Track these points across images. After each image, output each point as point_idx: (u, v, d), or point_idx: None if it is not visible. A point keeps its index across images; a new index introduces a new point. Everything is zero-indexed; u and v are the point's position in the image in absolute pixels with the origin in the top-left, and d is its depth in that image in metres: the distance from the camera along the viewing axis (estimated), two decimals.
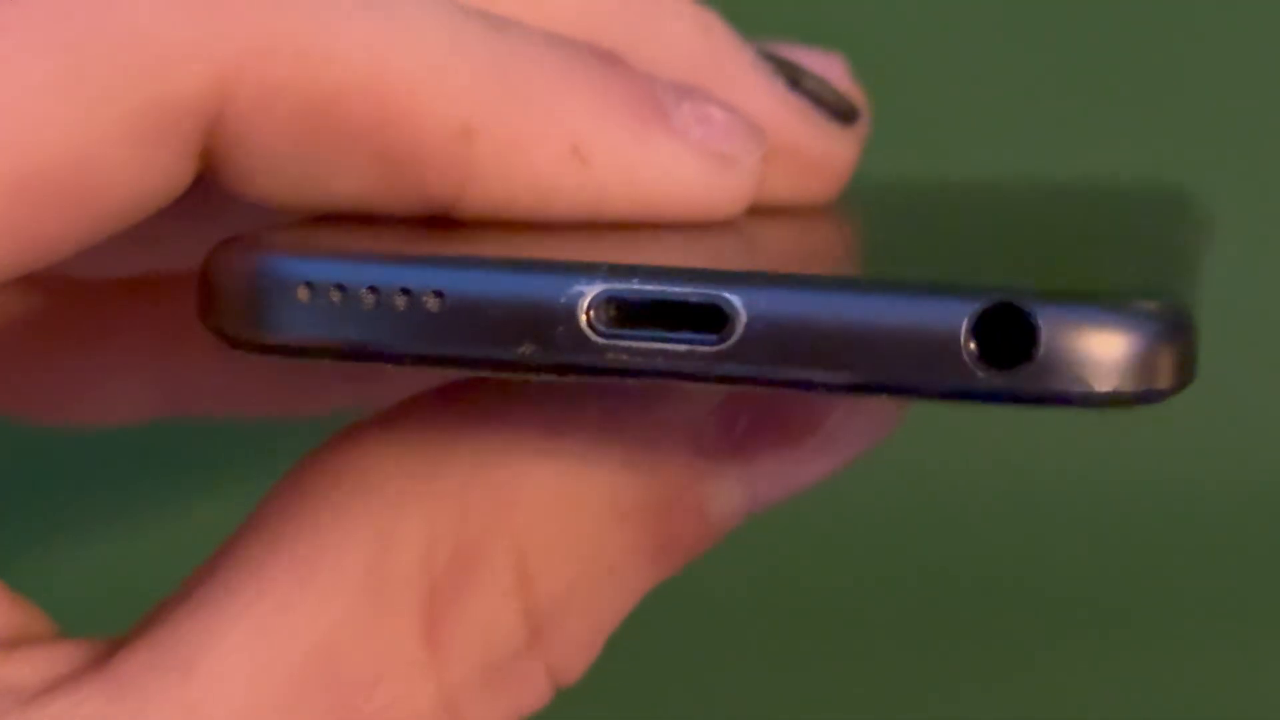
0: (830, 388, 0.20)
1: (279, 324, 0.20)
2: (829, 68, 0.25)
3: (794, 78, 0.25)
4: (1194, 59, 0.46)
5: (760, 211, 0.24)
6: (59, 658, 0.21)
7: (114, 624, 0.22)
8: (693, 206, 0.23)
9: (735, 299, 0.20)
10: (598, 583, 0.22)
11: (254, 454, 0.42)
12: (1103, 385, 0.19)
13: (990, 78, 0.46)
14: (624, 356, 0.20)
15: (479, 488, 0.22)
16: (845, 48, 0.26)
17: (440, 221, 0.22)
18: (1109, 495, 0.45)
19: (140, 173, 0.21)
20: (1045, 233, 0.27)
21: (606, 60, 0.23)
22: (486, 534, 0.22)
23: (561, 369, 0.20)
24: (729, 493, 0.23)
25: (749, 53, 0.25)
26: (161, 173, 0.22)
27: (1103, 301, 0.19)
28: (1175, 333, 0.19)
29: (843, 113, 0.25)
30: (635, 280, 0.20)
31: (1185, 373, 0.20)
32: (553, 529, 0.22)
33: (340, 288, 0.20)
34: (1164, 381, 0.19)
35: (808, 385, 0.20)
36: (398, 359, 0.20)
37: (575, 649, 0.23)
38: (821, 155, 0.25)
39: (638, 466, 0.22)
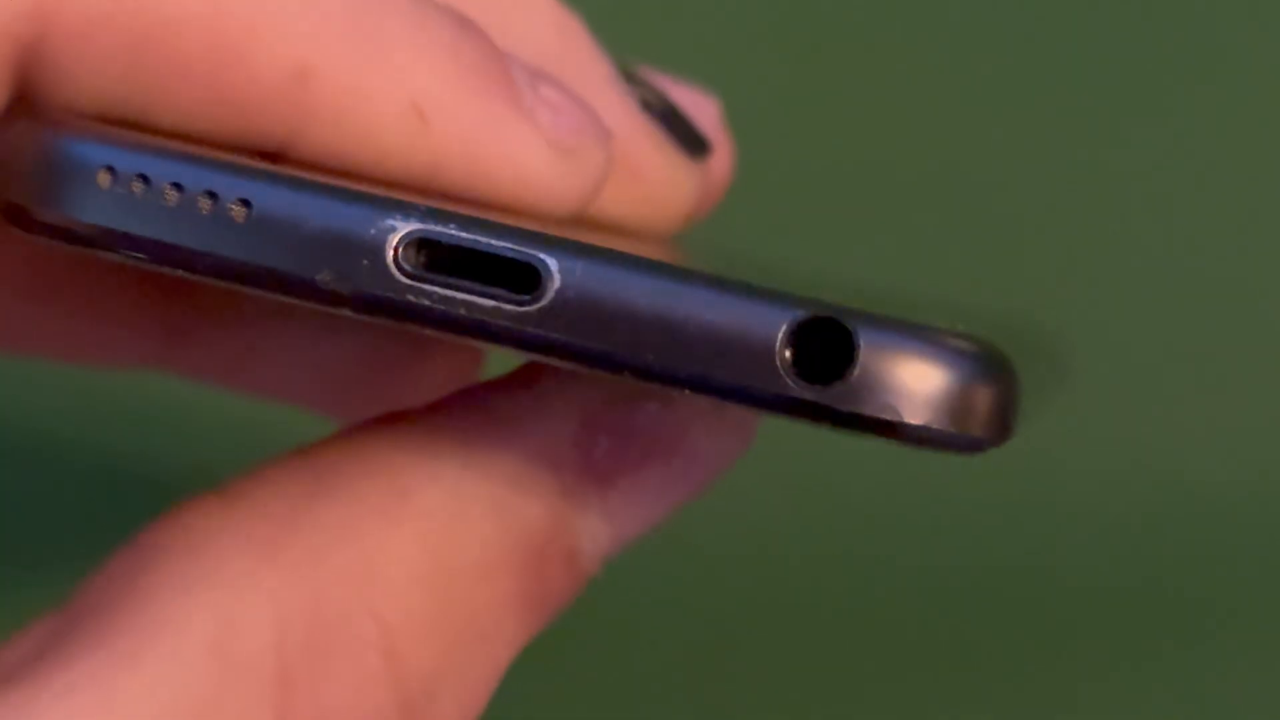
0: (635, 372, 0.19)
1: (72, 205, 0.20)
2: (699, 106, 0.25)
3: (646, 98, 0.24)
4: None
5: (599, 224, 0.24)
6: None
7: None
8: (527, 191, 0.22)
9: (551, 262, 0.19)
10: (471, 651, 0.21)
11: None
12: (913, 417, 0.19)
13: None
14: (426, 301, 0.19)
15: (334, 560, 0.20)
16: None
17: (268, 155, 0.21)
18: (1121, 498, 0.44)
19: None
20: (892, 297, 0.27)
21: (466, 25, 0.22)
22: (346, 611, 0.20)
23: (359, 303, 0.19)
24: (595, 531, 0.22)
25: (605, 64, 0.24)
26: None
27: (926, 333, 0.19)
28: (993, 378, 0.19)
29: (691, 143, 0.25)
30: (452, 225, 0.19)
31: (1002, 425, 0.19)
32: (420, 600, 0.21)
33: (144, 178, 0.20)
34: (978, 428, 0.19)
35: (612, 365, 0.19)
36: (190, 264, 0.20)
37: None
38: (661, 180, 0.25)
39: (504, 514, 0.21)
